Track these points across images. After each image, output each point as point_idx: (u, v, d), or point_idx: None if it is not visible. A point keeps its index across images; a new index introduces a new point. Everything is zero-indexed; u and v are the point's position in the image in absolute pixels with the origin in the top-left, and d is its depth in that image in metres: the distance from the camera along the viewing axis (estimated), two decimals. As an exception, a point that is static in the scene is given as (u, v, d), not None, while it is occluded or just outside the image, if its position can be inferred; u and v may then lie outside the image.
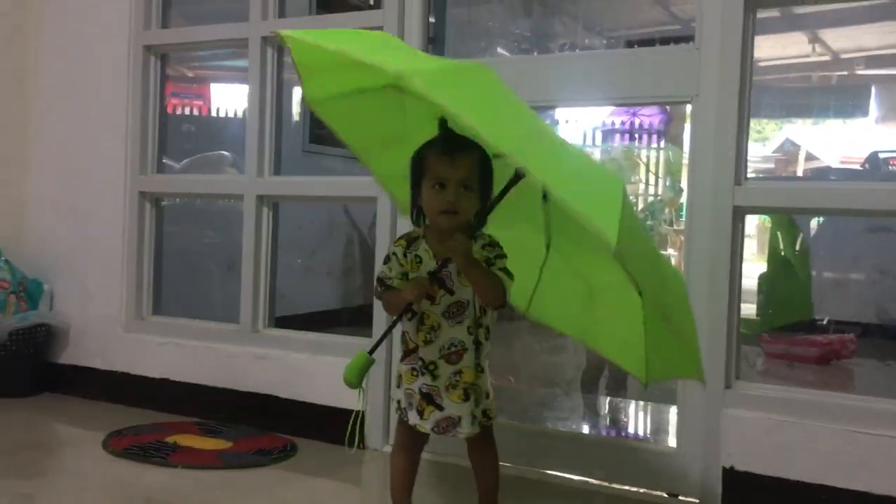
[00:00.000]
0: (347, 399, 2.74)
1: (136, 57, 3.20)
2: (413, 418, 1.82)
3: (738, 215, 2.26)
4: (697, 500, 2.28)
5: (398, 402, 1.87)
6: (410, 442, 1.89)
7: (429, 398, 1.80)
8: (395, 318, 1.79)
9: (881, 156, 5.35)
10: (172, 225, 3.89)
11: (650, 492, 2.34)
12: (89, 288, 3.30)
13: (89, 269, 3.30)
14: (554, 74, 2.55)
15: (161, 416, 3.02)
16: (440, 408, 1.80)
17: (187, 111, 5.78)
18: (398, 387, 1.87)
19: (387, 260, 1.84)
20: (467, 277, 1.75)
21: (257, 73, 2.98)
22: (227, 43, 3.30)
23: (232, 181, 3.47)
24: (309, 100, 1.82)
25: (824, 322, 3.95)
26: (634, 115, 6.40)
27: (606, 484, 2.39)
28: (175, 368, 3.09)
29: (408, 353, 1.83)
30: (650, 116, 6.55)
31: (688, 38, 2.43)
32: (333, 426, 2.76)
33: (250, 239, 2.99)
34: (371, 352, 1.71)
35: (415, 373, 1.81)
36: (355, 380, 1.69)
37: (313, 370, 2.82)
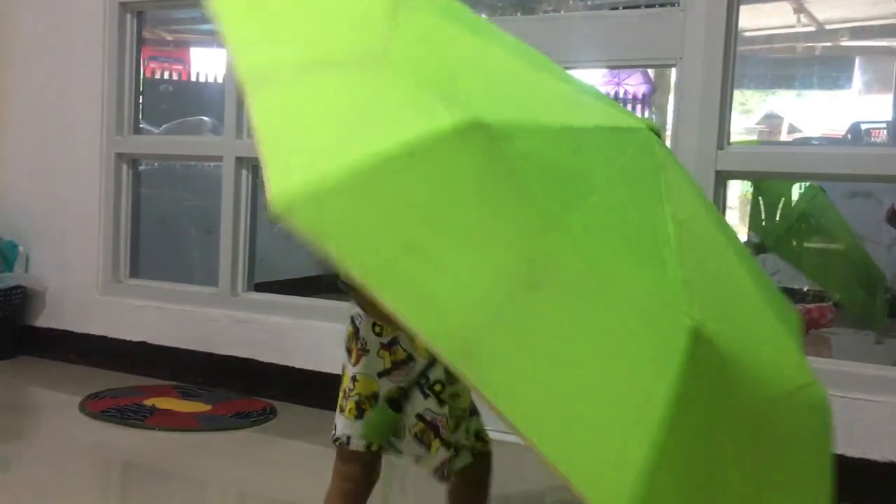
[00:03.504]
0: (327, 363, 2.75)
1: (112, 14, 3.13)
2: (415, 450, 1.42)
3: (721, 180, 2.25)
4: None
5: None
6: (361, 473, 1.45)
7: (436, 430, 1.40)
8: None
9: (863, 126, 5.36)
10: (151, 188, 3.84)
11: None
12: (66, 250, 3.26)
13: (66, 231, 3.25)
14: (537, 36, 2.51)
15: (139, 379, 2.99)
16: (447, 444, 1.41)
17: (166, 75, 5.70)
18: (371, 406, 1.41)
19: None
20: None
21: (236, 32, 2.93)
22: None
23: (210, 142, 3.42)
24: None
25: (804, 290, 3.98)
26: (619, 84, 6.37)
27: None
28: (153, 332, 3.06)
29: (395, 364, 1.41)
30: (635, 86, 6.52)
31: (674, 5, 2.41)
32: (313, 390, 2.76)
33: (229, 201, 2.95)
34: (394, 405, 1.35)
35: (402, 391, 1.40)
36: (379, 440, 1.39)
37: (293, 334, 2.81)
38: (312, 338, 2.78)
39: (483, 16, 3.66)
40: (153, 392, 2.82)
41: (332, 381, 2.71)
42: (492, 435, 1.51)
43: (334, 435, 1.43)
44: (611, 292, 0.92)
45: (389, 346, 1.41)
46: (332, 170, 0.82)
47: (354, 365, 1.44)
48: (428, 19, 1.10)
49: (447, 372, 1.36)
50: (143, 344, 3.08)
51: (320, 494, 2.05)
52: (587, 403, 0.88)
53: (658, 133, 1.12)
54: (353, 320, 1.45)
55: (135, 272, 3.24)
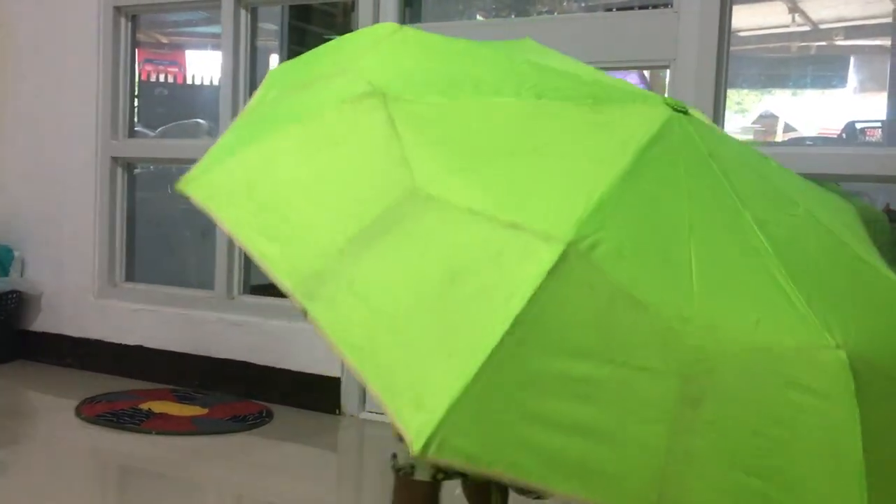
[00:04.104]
0: (323, 366, 2.75)
1: (107, 19, 3.13)
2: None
3: (715, 180, 2.25)
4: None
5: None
6: None
7: None
8: None
9: (858, 126, 5.36)
10: (146, 191, 3.83)
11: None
12: (61, 255, 3.25)
13: (61, 235, 3.25)
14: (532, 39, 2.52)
15: (135, 383, 2.99)
16: None
17: (162, 78, 5.69)
18: None
19: None
20: None
21: (230, 34, 2.93)
22: (199, 4, 3.24)
23: (205, 145, 3.41)
24: None
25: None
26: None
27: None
28: (149, 335, 3.06)
29: None
30: (630, 86, 6.54)
31: (667, 6, 2.41)
32: (309, 393, 2.76)
33: (225, 205, 2.95)
34: None
35: None
36: None
37: (289, 337, 2.80)
38: (308, 340, 2.77)
39: (479, 17, 3.66)
40: (149, 396, 2.81)
41: (329, 383, 2.72)
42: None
43: (396, 463, 1.35)
44: (766, 369, 0.86)
45: None
46: (455, 384, 0.75)
47: None
48: (427, 110, 0.98)
49: None
50: (139, 348, 3.08)
51: (317, 497, 2.06)
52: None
53: (683, 109, 1.03)
54: None
55: (130, 276, 3.24)
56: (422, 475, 1.32)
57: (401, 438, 0.76)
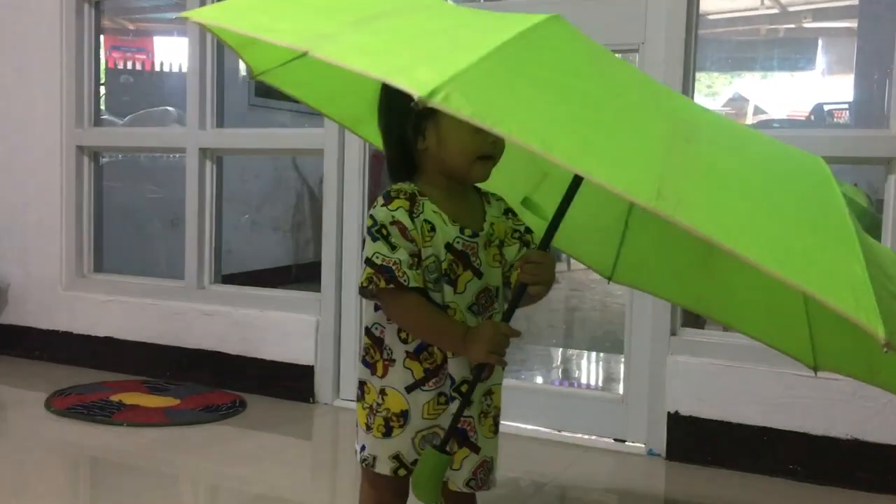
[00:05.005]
0: (295, 354, 2.74)
1: (69, 5, 3.07)
2: None
3: (685, 163, 2.27)
4: (643, 445, 2.32)
5: (397, 455, 1.31)
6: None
7: (463, 436, 1.31)
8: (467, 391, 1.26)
9: (826, 108, 5.42)
10: (114, 181, 3.78)
11: (599, 438, 2.38)
12: (28, 246, 3.20)
13: (27, 226, 3.20)
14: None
15: (106, 375, 2.96)
16: (476, 448, 1.32)
17: (129, 65, 5.61)
18: (399, 426, 1.30)
19: (381, 233, 1.24)
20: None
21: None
22: (165, -10, 3.18)
23: (174, 134, 3.38)
24: (256, 73, 1.44)
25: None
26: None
27: (556, 432, 2.42)
28: (119, 327, 3.03)
29: (431, 372, 1.29)
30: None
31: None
32: (283, 381, 2.75)
33: (194, 193, 2.92)
34: (443, 447, 1.25)
35: (443, 400, 1.30)
36: (433, 494, 1.25)
37: (261, 326, 2.79)
38: (280, 329, 2.76)
39: (450, 1, 3.64)
40: (120, 387, 2.79)
41: (301, 371, 2.71)
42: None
43: (361, 455, 1.33)
44: (749, 142, 1.14)
45: (417, 353, 1.29)
46: (464, 59, 0.82)
47: (382, 377, 1.31)
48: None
49: (478, 368, 1.25)
50: (108, 339, 3.05)
51: (291, 486, 2.05)
52: (780, 222, 0.91)
53: None
54: (370, 331, 1.34)
55: (99, 266, 3.20)
56: (382, 468, 1.31)
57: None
